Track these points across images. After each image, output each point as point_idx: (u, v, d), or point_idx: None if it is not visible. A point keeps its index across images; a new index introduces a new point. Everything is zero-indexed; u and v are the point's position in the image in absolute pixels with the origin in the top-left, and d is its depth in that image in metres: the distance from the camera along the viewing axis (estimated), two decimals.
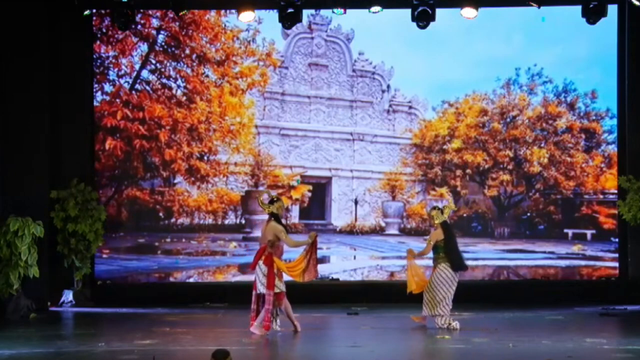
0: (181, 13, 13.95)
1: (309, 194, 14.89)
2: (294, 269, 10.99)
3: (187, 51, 14.65)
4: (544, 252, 14.76)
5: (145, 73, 14.64)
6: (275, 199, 11.23)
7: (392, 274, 14.29)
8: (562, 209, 14.82)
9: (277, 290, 10.86)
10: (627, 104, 14.36)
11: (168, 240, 14.72)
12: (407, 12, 13.42)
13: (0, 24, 13.38)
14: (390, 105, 14.97)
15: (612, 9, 13.86)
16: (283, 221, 11.29)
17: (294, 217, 14.82)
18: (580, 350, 9.75)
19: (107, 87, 14.54)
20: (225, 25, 14.70)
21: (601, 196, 14.73)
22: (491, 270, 14.81)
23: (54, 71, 13.90)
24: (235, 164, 14.73)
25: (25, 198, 13.24)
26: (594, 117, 14.80)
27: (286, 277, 11.06)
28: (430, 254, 11.63)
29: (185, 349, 10.06)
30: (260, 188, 14.70)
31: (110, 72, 14.56)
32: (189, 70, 14.66)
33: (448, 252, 11.48)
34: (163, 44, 14.66)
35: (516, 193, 14.88)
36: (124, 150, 14.52)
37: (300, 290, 14.15)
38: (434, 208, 11.82)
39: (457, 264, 11.55)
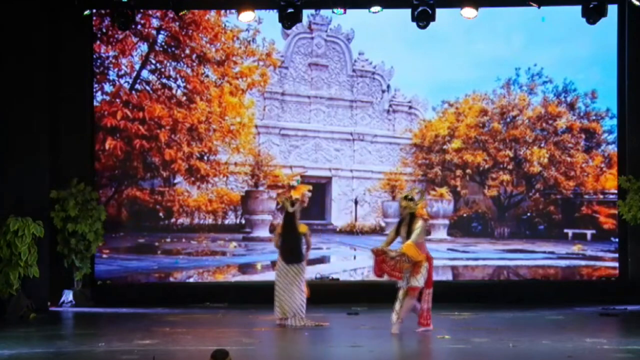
0: (181, 13, 13.96)
1: (309, 194, 14.86)
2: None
3: (187, 51, 14.65)
4: (544, 252, 14.75)
5: (145, 73, 14.64)
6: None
7: None
8: (562, 209, 14.81)
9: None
10: (627, 104, 14.35)
11: (168, 240, 14.72)
12: (407, 12, 13.42)
13: (0, 24, 13.37)
14: (390, 105, 14.96)
15: (612, 9, 13.85)
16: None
17: None
18: (580, 350, 9.74)
19: (107, 87, 14.54)
20: (225, 25, 14.70)
21: (601, 196, 14.72)
22: (491, 270, 14.80)
23: (54, 71, 13.89)
24: (235, 164, 14.73)
25: (25, 198, 13.24)
26: (594, 117, 14.79)
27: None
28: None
29: (185, 349, 10.06)
30: (260, 188, 14.71)
31: (110, 72, 14.56)
32: (189, 70, 14.66)
33: None
34: (163, 44, 14.66)
35: (516, 193, 14.87)
36: (124, 150, 14.52)
37: None
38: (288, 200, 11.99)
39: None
